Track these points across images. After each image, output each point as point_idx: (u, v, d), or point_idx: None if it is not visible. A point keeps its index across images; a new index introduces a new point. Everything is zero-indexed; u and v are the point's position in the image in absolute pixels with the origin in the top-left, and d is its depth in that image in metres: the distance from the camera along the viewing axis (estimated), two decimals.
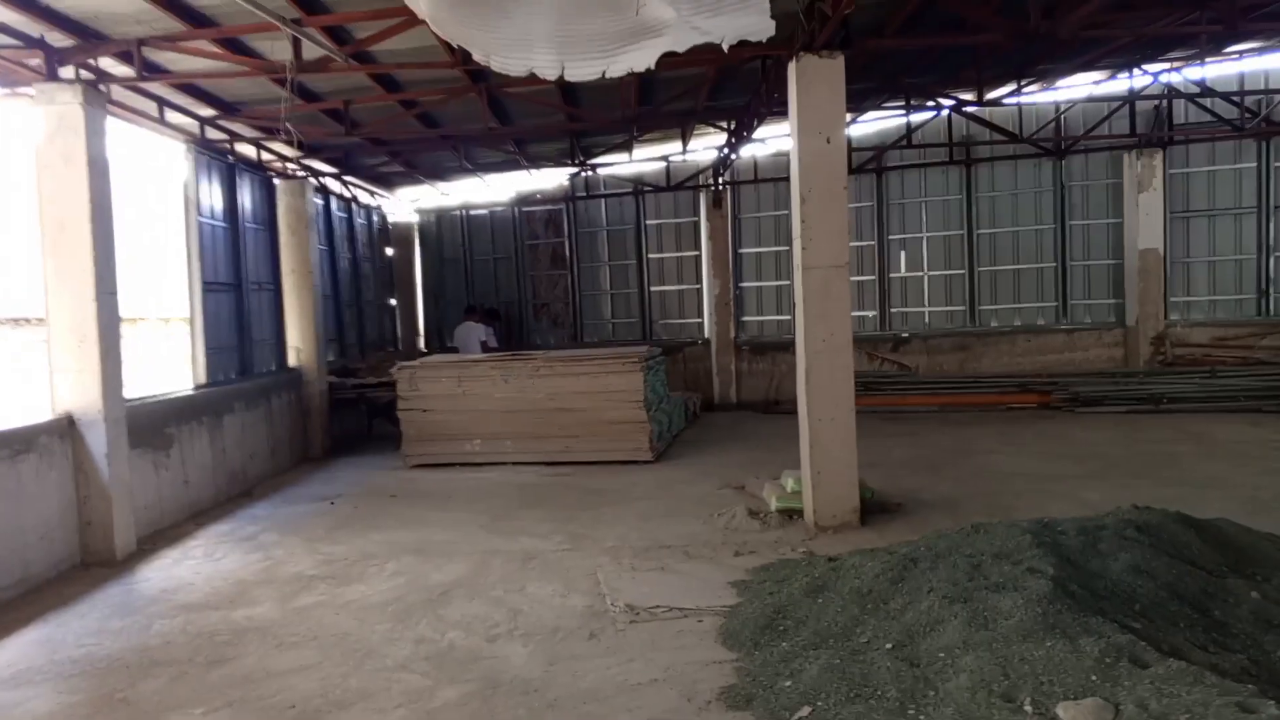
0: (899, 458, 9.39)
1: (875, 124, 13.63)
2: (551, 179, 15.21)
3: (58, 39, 6.85)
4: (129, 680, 4.60)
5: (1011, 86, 11.99)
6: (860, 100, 11.57)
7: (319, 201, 12.65)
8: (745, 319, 14.70)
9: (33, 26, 6.62)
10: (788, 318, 14.18)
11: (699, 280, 14.88)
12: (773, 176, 14.21)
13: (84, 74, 7.18)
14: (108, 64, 7.43)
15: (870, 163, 13.87)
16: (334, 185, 13.31)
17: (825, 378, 6.87)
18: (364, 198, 14.74)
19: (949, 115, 12.99)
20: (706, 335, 14.71)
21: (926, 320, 14.28)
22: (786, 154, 13.89)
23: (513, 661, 4.61)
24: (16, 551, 6.17)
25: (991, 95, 11.99)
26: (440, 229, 16.02)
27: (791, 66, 6.95)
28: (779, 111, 9.52)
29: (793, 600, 4.99)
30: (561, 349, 12.63)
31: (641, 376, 10.03)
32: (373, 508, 8.47)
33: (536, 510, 7.99)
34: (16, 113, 7.57)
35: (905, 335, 14.15)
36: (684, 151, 13.85)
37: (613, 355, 10.44)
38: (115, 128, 7.69)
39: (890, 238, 14.27)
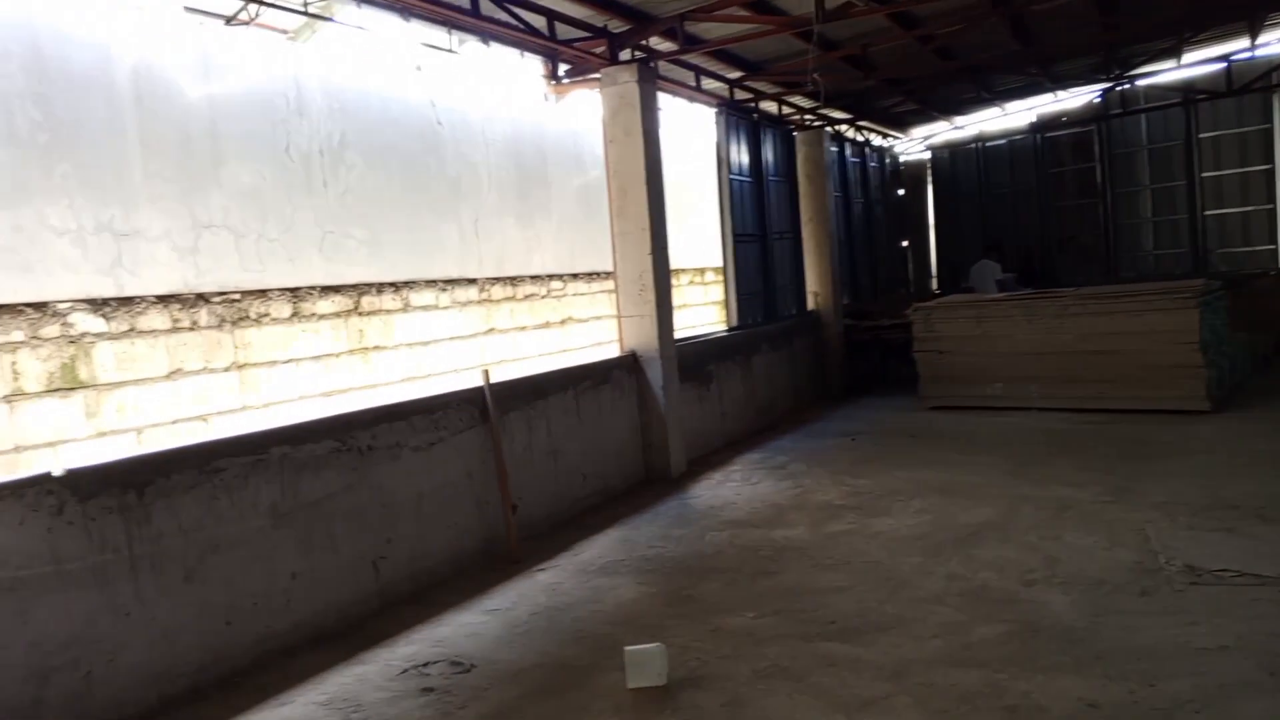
0: None
1: None
2: (1078, 99, 13.83)
3: (616, 26, 7.88)
4: (691, 581, 5.29)
5: None
6: None
7: (834, 149, 12.98)
8: None
9: (597, 18, 7.69)
10: None
11: (1272, 200, 12.49)
12: None
13: (637, 54, 8.18)
14: (655, 43, 8.37)
15: None
16: (848, 131, 13.55)
17: None
18: (876, 140, 14.80)
19: None
20: None
21: None
22: None
23: (1052, 608, 4.41)
24: (599, 464, 7.39)
25: None
26: (953, 164, 15.47)
27: None
28: None
29: None
30: (1093, 286, 11.52)
31: (1196, 314, 8.77)
32: (892, 446, 8.61)
33: (1068, 458, 7.47)
34: (585, 97, 8.91)
35: None
36: (1253, 47, 11.68)
37: (1159, 290, 9.27)
38: (660, 100, 8.66)
39: None
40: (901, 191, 15.88)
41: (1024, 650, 3.96)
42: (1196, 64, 12.54)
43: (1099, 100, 13.68)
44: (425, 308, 7.84)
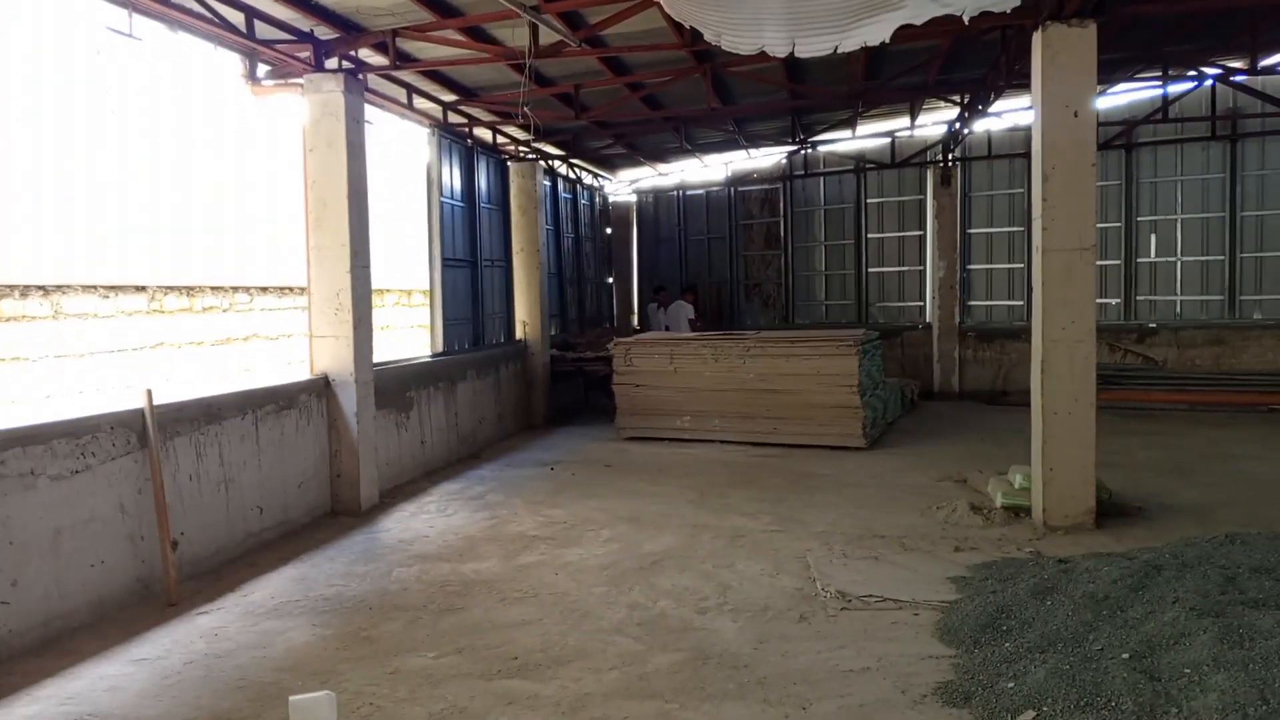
0: (1141, 458, 8.67)
1: (1125, 96, 12.54)
2: (769, 158, 15.09)
3: (324, 32, 7.50)
4: (372, 621, 5.03)
5: None
6: (1110, 70, 10.65)
7: (547, 183, 13.20)
8: (972, 303, 13.98)
9: (304, 22, 7.28)
10: (1019, 303, 13.40)
11: (922, 262, 14.29)
12: (1008, 153, 13.44)
13: (345, 64, 7.83)
14: (365, 54, 8.07)
15: (1119, 138, 12.77)
16: (560, 167, 13.83)
17: (1063, 369, 6.44)
18: (587, 179, 15.24)
19: (1213, 86, 11.79)
20: (928, 320, 14.12)
21: (1178, 310, 13.03)
22: (1023, 129, 13.10)
23: (722, 635, 4.66)
24: (279, 496, 6.88)
25: (1266, 63, 10.70)
26: (657, 208, 16.27)
27: (1036, 36, 6.50)
28: (1018, 84, 8.95)
29: (1018, 600, 4.73)
30: (772, 330, 12.53)
31: (856, 360, 9.78)
32: (589, 475, 8.80)
33: (745, 490, 8.01)
34: (286, 101, 8.37)
35: (1153, 325, 12.98)
36: (911, 127, 13.34)
37: (826, 337, 10.25)
38: (369, 113, 8.34)
39: (1139, 219, 13.11)
40: (610, 230, 16.44)
41: (695, 679, 4.13)
42: (868, 136, 14.13)
43: (785, 161, 15.00)
44: (81, 315, 6.93)
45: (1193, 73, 10.96)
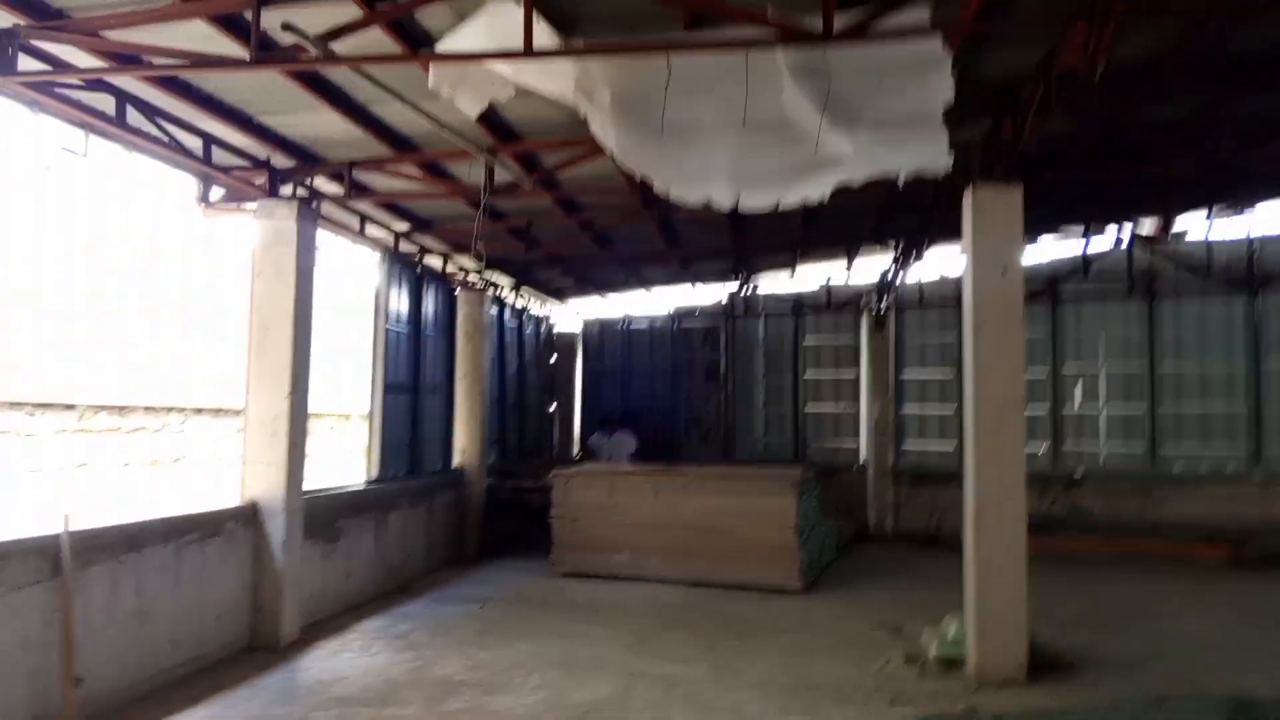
0: (1070, 609, 8.75)
1: (1050, 250, 13.24)
2: (712, 295, 15.49)
3: (280, 160, 7.64)
4: None
5: (1199, 213, 11.34)
6: (1035, 227, 11.28)
7: (494, 310, 13.30)
8: (905, 446, 14.24)
9: (261, 149, 7.41)
10: (951, 448, 13.66)
11: (857, 403, 14.59)
12: (939, 301, 13.96)
13: (299, 191, 7.95)
14: (320, 183, 8.20)
15: (1044, 292, 13.41)
16: (508, 294, 13.99)
17: (995, 520, 6.55)
18: (534, 307, 15.42)
19: (1129, 247, 12.52)
20: (863, 460, 14.31)
21: (1102, 460, 13.42)
22: (954, 278, 13.68)
23: None
24: (195, 630, 6.56)
25: (1177, 226, 11.45)
26: (602, 338, 16.46)
27: (967, 196, 6.85)
28: (949, 235, 9.40)
29: None
30: (712, 465, 12.57)
31: (796, 500, 9.82)
32: (520, 615, 8.56)
33: (679, 633, 7.87)
34: (236, 224, 8.41)
35: (1079, 475, 13.32)
36: (848, 272, 13.84)
37: (767, 475, 10.31)
38: (319, 238, 8.42)
39: (1064, 371, 13.64)
40: (554, 357, 16.56)
41: None
42: (807, 279, 14.62)
43: (727, 301, 15.42)
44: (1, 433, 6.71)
45: (1111, 232, 11.64)
